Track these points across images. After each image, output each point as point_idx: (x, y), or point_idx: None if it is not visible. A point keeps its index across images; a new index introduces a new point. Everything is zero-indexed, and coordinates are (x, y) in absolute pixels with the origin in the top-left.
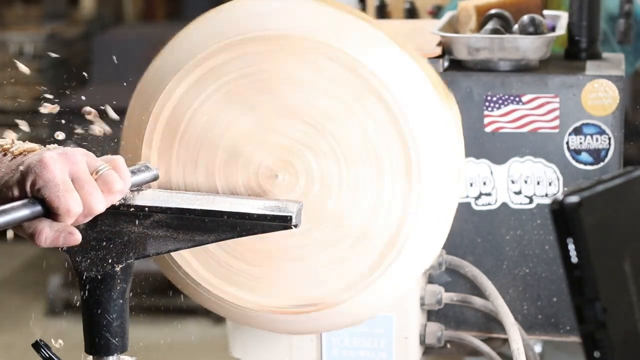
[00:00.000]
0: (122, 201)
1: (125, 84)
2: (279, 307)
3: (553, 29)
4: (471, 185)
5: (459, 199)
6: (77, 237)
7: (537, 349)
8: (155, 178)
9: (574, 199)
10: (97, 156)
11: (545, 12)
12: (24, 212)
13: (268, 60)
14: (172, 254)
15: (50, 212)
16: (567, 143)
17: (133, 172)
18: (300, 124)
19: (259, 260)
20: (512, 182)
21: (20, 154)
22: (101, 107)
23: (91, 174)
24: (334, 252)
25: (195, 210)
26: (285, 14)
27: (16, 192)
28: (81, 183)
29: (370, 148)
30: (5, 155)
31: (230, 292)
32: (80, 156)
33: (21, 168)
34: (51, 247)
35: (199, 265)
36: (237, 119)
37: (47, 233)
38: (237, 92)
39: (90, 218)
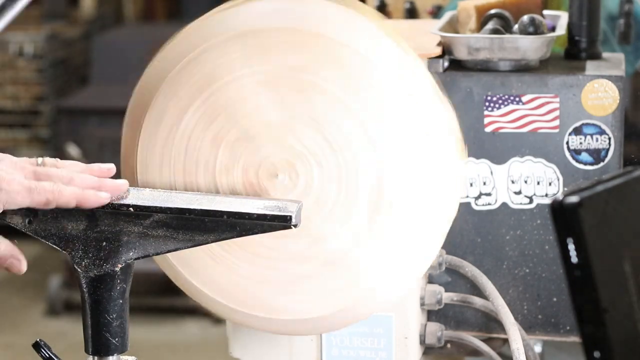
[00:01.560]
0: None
1: (125, 84)
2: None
3: (553, 29)
4: (471, 185)
5: (459, 201)
6: (22, 267)
7: (537, 349)
8: None
9: (574, 199)
10: (110, 159)
11: (545, 12)
12: None
13: (309, 64)
14: (169, 257)
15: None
16: (567, 143)
17: None
18: (319, 137)
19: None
20: (512, 182)
21: None
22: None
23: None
24: (304, 268)
25: (195, 210)
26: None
27: None
28: (42, 176)
29: (377, 187)
30: None
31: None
32: (9, 160)
33: None
34: None
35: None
36: (263, 108)
37: None
38: (273, 82)
39: (53, 206)
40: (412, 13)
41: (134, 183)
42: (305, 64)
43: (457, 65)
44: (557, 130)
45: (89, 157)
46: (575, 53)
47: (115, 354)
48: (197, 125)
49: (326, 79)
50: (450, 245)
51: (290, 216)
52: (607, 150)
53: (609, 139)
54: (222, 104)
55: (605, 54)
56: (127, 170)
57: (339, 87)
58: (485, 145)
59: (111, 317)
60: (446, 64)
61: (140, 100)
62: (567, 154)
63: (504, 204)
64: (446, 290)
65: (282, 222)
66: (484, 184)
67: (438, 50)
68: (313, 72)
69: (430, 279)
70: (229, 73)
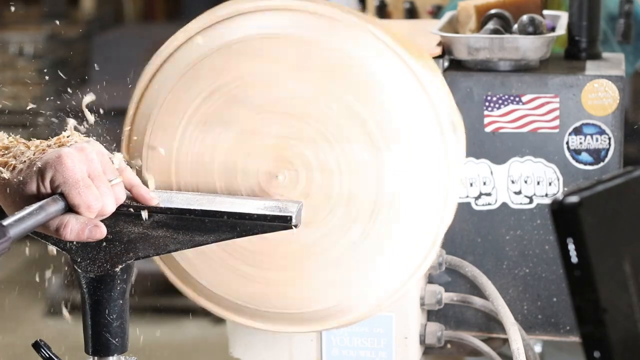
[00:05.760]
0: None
1: (125, 84)
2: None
3: (553, 29)
4: (471, 185)
5: (459, 197)
6: (103, 230)
7: (537, 349)
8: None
9: (574, 199)
10: None
11: (545, 12)
12: (54, 208)
13: (229, 68)
14: (179, 261)
15: (70, 208)
16: (567, 143)
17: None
18: (278, 118)
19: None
20: (512, 182)
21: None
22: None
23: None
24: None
25: (195, 210)
26: None
27: (33, 188)
28: (97, 182)
29: (357, 122)
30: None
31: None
32: (95, 155)
33: (39, 164)
34: (76, 240)
35: (206, 274)
36: (219, 137)
37: (73, 225)
38: (208, 111)
39: (100, 219)
40: (412, 13)
41: None
42: (222, 76)
43: (457, 65)
44: (557, 130)
45: None
46: (575, 53)
47: (115, 354)
48: (200, 125)
49: (242, 70)
50: (450, 245)
51: (291, 216)
52: (607, 150)
53: (609, 139)
54: (191, 168)
55: (605, 54)
56: None
57: (255, 66)
58: (485, 145)
59: (111, 317)
60: (446, 64)
61: (145, 100)
62: (567, 154)
63: (504, 204)
64: (446, 290)
65: (282, 223)
66: (484, 184)
67: (438, 50)
68: (231, 78)
69: (430, 279)
70: (174, 137)
